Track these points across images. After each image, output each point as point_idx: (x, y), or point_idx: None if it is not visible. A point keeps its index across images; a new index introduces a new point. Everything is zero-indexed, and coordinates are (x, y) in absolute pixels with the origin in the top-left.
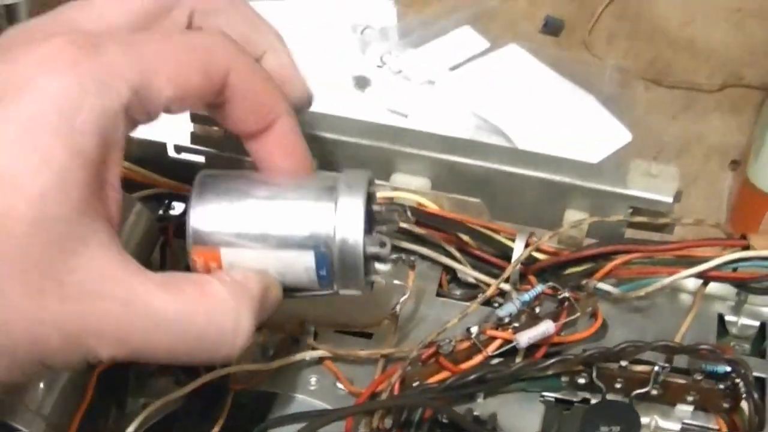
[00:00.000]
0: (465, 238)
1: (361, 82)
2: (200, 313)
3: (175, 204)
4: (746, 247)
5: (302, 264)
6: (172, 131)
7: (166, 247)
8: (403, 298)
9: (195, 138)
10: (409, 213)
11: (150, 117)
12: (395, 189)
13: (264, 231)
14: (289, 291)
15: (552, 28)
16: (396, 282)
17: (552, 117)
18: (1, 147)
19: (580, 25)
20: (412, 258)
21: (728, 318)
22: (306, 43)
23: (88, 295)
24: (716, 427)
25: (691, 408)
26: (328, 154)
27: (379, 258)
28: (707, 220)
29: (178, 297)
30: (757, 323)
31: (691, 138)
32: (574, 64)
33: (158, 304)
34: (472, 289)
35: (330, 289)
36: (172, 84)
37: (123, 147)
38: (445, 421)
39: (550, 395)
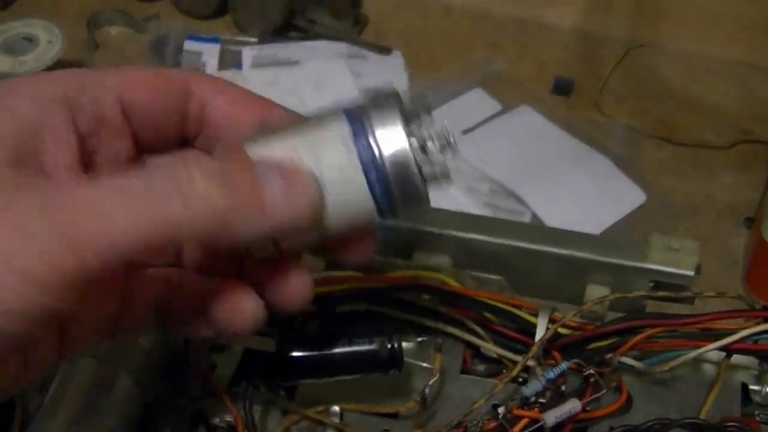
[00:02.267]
0: (487, 314)
1: None
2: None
3: None
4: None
5: (351, 178)
6: None
7: None
8: (431, 381)
9: None
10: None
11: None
12: (417, 267)
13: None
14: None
15: (562, 88)
16: (423, 364)
17: (566, 178)
18: None
19: (589, 85)
20: (439, 340)
21: (752, 387)
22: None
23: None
24: None
25: None
26: None
27: (426, 150)
28: (728, 292)
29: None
30: None
31: (702, 196)
32: (585, 124)
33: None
34: (495, 365)
35: (388, 206)
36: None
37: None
38: None
39: None
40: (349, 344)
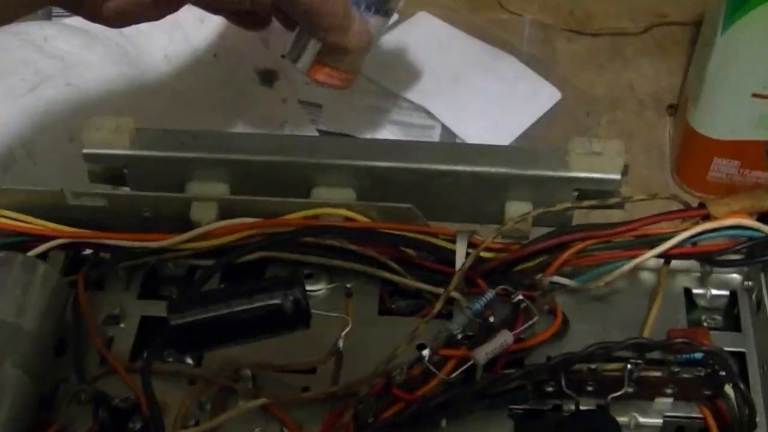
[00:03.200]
0: (401, 247)
1: (268, 77)
2: None
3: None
4: (705, 216)
5: None
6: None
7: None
8: (344, 332)
9: (93, 176)
10: None
11: None
12: (319, 206)
13: None
14: None
15: None
16: (333, 314)
17: (474, 84)
18: None
19: None
20: (348, 285)
21: (696, 291)
22: (204, 43)
23: None
24: (700, 415)
25: (670, 400)
26: (239, 176)
27: None
28: (660, 192)
29: None
30: (726, 293)
31: (622, 87)
32: (490, 25)
33: None
34: (417, 300)
35: None
36: None
37: None
38: None
39: (519, 408)
40: (249, 301)
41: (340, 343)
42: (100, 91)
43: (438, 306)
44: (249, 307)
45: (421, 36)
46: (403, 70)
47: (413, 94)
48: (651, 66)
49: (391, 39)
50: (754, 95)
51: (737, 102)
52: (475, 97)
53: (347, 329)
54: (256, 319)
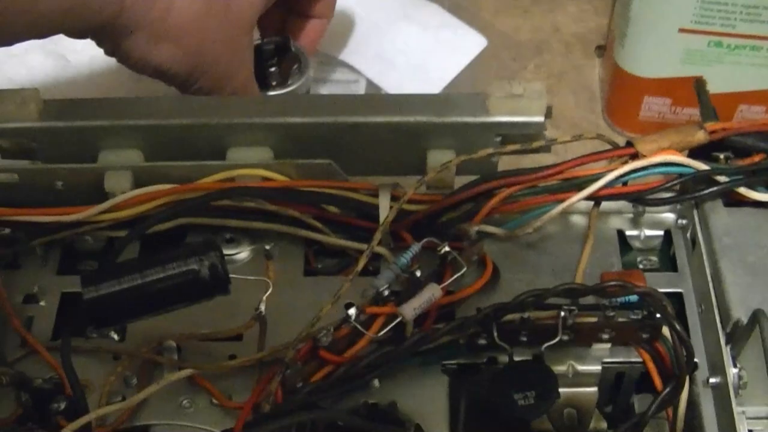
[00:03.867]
0: (322, 205)
1: None
2: None
3: None
4: (634, 155)
5: None
6: None
7: None
8: (265, 295)
9: (2, 152)
10: None
11: None
12: (234, 167)
13: None
14: None
15: None
16: (255, 278)
17: (397, 35)
18: None
19: None
20: (267, 247)
21: (629, 233)
22: None
23: None
24: (639, 359)
25: (608, 345)
26: (151, 141)
27: None
28: (586, 133)
29: None
30: (660, 232)
31: (548, 31)
32: None
33: None
34: (343, 258)
35: None
36: None
37: None
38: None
39: (452, 363)
40: (164, 270)
41: (262, 307)
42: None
43: (361, 262)
44: (164, 275)
45: None
46: None
47: (335, 49)
48: (576, 7)
49: None
50: (681, 30)
51: (664, 38)
52: (399, 49)
53: (268, 292)
54: (173, 288)
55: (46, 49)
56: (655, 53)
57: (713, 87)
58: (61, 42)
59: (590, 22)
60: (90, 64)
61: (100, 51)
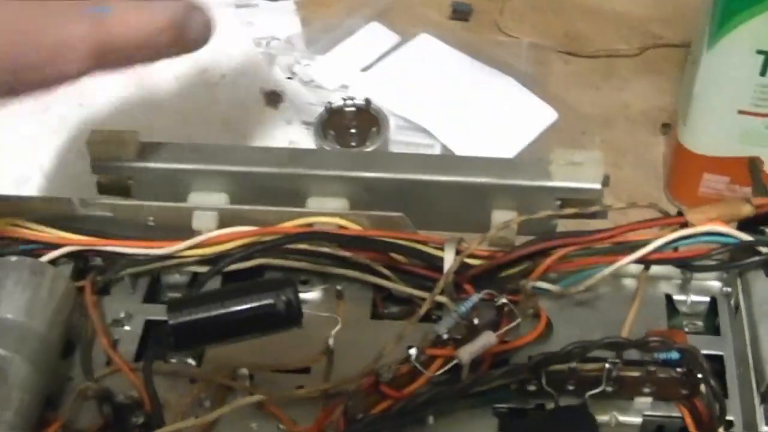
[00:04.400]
0: (392, 254)
1: (273, 98)
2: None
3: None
4: (684, 224)
5: None
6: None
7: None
8: (334, 330)
9: (101, 187)
10: None
11: None
12: (312, 214)
13: None
14: None
15: (461, 13)
16: (325, 314)
17: (473, 104)
18: None
19: (488, 6)
20: (338, 287)
21: (676, 297)
22: (212, 65)
23: (63, 21)
24: (679, 414)
25: (650, 399)
26: (238, 186)
27: None
28: (640, 201)
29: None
30: (707, 299)
31: (616, 107)
32: (488, 46)
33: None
34: (409, 306)
35: None
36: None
37: None
38: None
39: (503, 406)
40: (243, 301)
41: (331, 342)
42: (110, 110)
43: (425, 307)
44: (243, 306)
45: (421, 57)
46: (404, 91)
47: (413, 114)
48: (645, 86)
49: (392, 60)
50: (740, 112)
51: (724, 118)
52: (473, 117)
53: (337, 328)
54: (250, 318)
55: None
56: (715, 133)
57: None
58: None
59: (657, 102)
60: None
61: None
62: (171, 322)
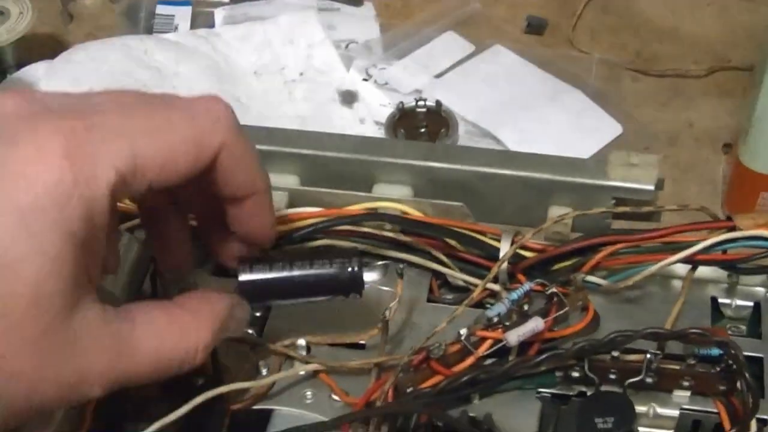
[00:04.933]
0: (451, 242)
1: (348, 98)
2: (170, 340)
3: None
4: (732, 229)
5: None
6: None
7: (156, 275)
8: (393, 303)
9: None
10: None
11: (132, 195)
12: (378, 199)
13: None
14: None
15: (535, 27)
16: (384, 288)
17: (541, 114)
18: (2, 236)
19: (563, 22)
20: (401, 265)
21: (722, 300)
22: (292, 62)
23: (82, 351)
24: (716, 410)
25: (688, 393)
26: (308, 169)
27: None
28: (691, 204)
29: (152, 331)
30: (750, 303)
31: (681, 125)
32: (560, 60)
33: (138, 344)
34: (463, 293)
35: None
36: (158, 170)
37: (108, 220)
38: (440, 425)
39: (546, 391)
40: (310, 266)
41: (387, 314)
42: None
43: (478, 290)
44: (310, 271)
45: (494, 67)
46: (475, 98)
47: (483, 121)
48: (711, 107)
49: (465, 69)
50: None
51: None
52: (541, 126)
53: (395, 302)
54: (315, 282)
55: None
56: None
57: None
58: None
59: (722, 122)
60: (262, 103)
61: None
62: (241, 277)
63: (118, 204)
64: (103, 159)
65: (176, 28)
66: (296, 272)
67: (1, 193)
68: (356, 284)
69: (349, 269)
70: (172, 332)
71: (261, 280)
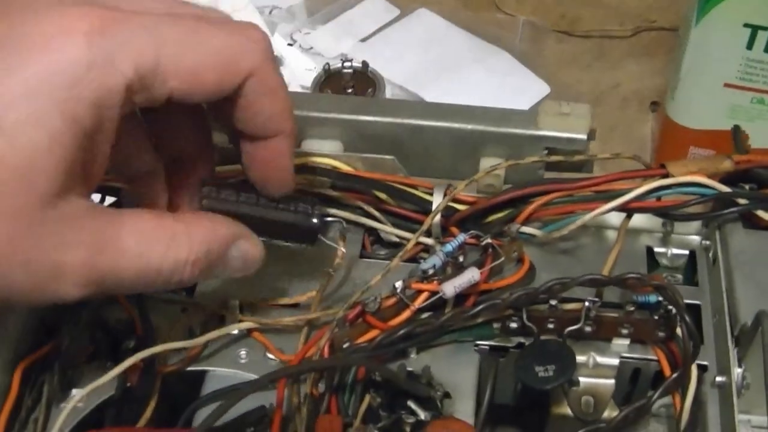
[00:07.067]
0: (383, 196)
1: None
2: (158, 247)
3: None
4: (665, 176)
5: None
6: None
7: None
8: (337, 260)
9: None
10: None
11: (151, 102)
12: (307, 154)
13: None
14: None
15: None
16: (329, 242)
17: (469, 77)
18: (2, 96)
19: None
20: (344, 224)
21: (657, 250)
22: None
23: (60, 243)
24: (655, 357)
25: (627, 341)
26: None
27: None
28: (624, 153)
29: (139, 234)
30: (686, 252)
31: (607, 86)
32: (486, 23)
33: (123, 245)
34: (397, 249)
35: None
36: (181, 79)
37: (117, 123)
38: (379, 379)
39: (484, 344)
40: (275, 209)
41: (332, 271)
42: None
43: (411, 243)
44: (273, 213)
45: (419, 30)
46: (401, 62)
47: (409, 84)
48: (637, 67)
49: (390, 33)
50: (726, 85)
51: (710, 92)
52: (468, 88)
53: (339, 256)
54: (275, 224)
55: None
56: (702, 106)
57: (756, 142)
58: None
59: (648, 82)
60: None
61: None
62: (205, 202)
63: None
64: (125, 52)
65: None
66: (261, 210)
67: (15, 58)
68: (312, 235)
69: (314, 220)
70: (159, 239)
71: (226, 210)
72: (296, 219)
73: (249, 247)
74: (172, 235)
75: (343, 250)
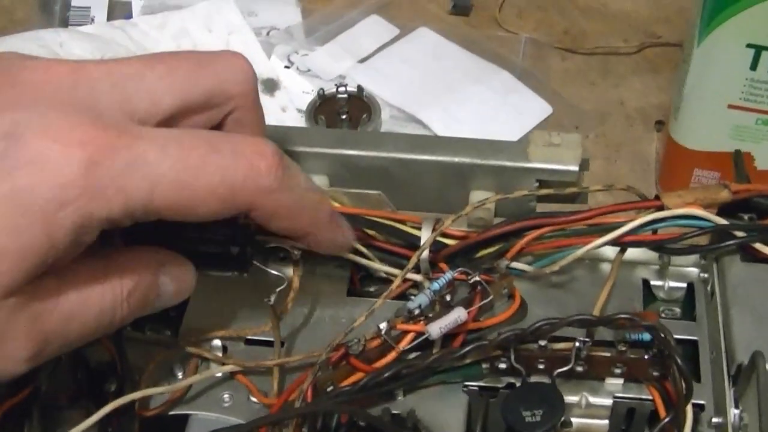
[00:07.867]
0: (370, 232)
1: (269, 86)
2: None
3: None
4: (660, 208)
5: None
6: None
7: None
8: (278, 289)
9: None
10: None
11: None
12: None
13: None
14: None
15: (461, 8)
16: (275, 273)
17: (469, 97)
18: None
19: (489, 2)
20: (296, 252)
21: (654, 282)
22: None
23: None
24: (650, 397)
25: (621, 381)
26: None
27: None
28: (617, 184)
29: (80, 295)
30: (684, 284)
31: (612, 103)
32: (487, 41)
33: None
34: (386, 285)
35: None
36: (174, 212)
37: (94, 238)
38: (363, 424)
39: (473, 384)
40: (201, 231)
41: (271, 299)
42: None
43: (397, 281)
44: (200, 235)
45: (419, 50)
46: (400, 82)
47: (408, 105)
48: (641, 84)
49: (390, 52)
50: (730, 106)
51: (714, 113)
52: (468, 109)
53: (282, 287)
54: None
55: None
56: (706, 127)
57: (761, 164)
58: None
59: (653, 99)
60: None
61: None
62: None
63: None
64: (117, 187)
65: (93, 20)
66: (182, 243)
67: (10, 162)
68: (241, 264)
69: (239, 243)
70: (94, 288)
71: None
72: (216, 249)
73: (179, 271)
74: (104, 278)
75: (296, 280)
